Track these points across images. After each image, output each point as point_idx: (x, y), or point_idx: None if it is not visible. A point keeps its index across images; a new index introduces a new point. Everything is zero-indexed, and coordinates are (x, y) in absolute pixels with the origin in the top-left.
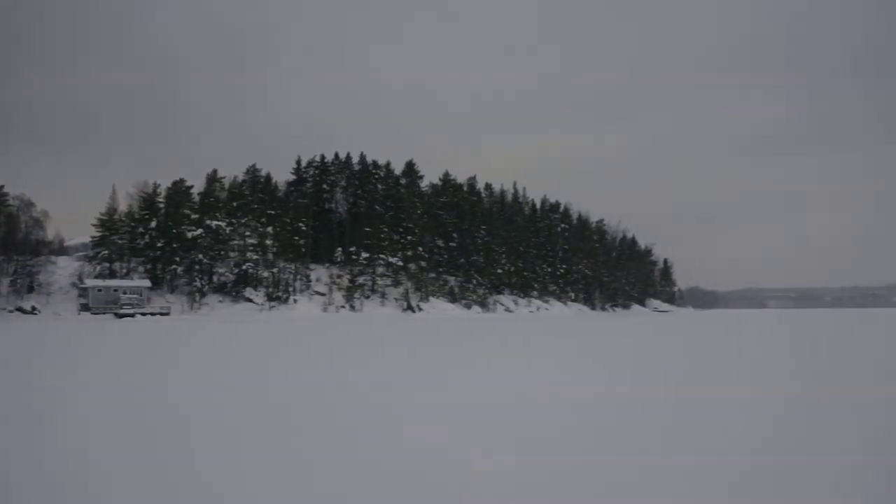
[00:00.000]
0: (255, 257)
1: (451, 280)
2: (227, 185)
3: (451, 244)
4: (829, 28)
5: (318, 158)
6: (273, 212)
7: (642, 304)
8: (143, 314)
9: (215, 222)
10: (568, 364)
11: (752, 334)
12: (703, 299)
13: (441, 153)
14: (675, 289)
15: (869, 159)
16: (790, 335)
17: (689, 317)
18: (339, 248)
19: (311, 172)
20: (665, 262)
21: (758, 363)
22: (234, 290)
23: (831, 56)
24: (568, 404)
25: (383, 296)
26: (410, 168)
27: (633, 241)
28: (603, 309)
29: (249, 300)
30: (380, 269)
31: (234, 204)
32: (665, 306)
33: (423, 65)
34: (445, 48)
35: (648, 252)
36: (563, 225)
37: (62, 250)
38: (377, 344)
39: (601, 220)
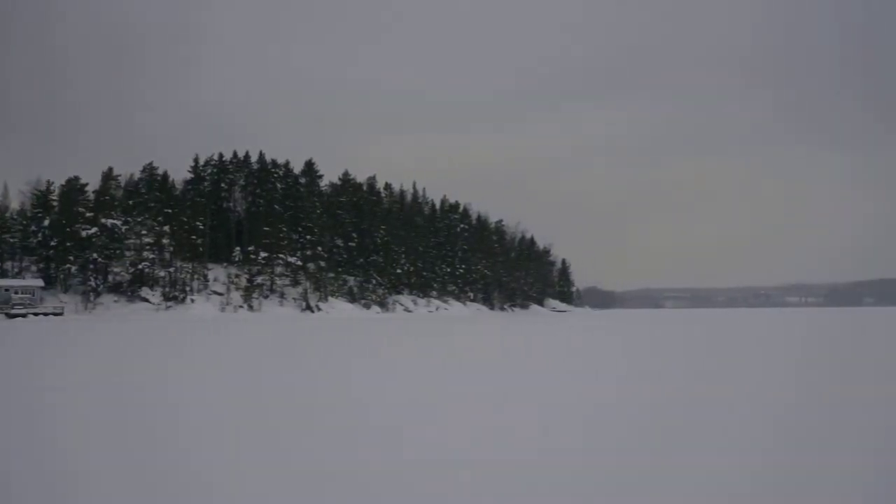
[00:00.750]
0: (151, 256)
1: (351, 280)
2: (122, 184)
3: (350, 244)
4: (694, 36)
5: (216, 157)
6: (170, 210)
7: (541, 304)
8: (36, 314)
9: (110, 221)
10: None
11: (662, 333)
12: (600, 299)
13: (344, 152)
14: (573, 289)
15: (764, 161)
16: (682, 334)
17: (585, 316)
18: (238, 248)
19: (209, 171)
20: (563, 262)
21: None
22: (129, 289)
23: (708, 61)
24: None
25: (282, 296)
26: (310, 167)
27: (532, 242)
28: (502, 309)
29: (145, 300)
30: (278, 269)
31: (130, 202)
32: (563, 306)
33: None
34: (376, 49)
35: (547, 252)
36: (462, 225)
37: None
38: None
39: (500, 221)
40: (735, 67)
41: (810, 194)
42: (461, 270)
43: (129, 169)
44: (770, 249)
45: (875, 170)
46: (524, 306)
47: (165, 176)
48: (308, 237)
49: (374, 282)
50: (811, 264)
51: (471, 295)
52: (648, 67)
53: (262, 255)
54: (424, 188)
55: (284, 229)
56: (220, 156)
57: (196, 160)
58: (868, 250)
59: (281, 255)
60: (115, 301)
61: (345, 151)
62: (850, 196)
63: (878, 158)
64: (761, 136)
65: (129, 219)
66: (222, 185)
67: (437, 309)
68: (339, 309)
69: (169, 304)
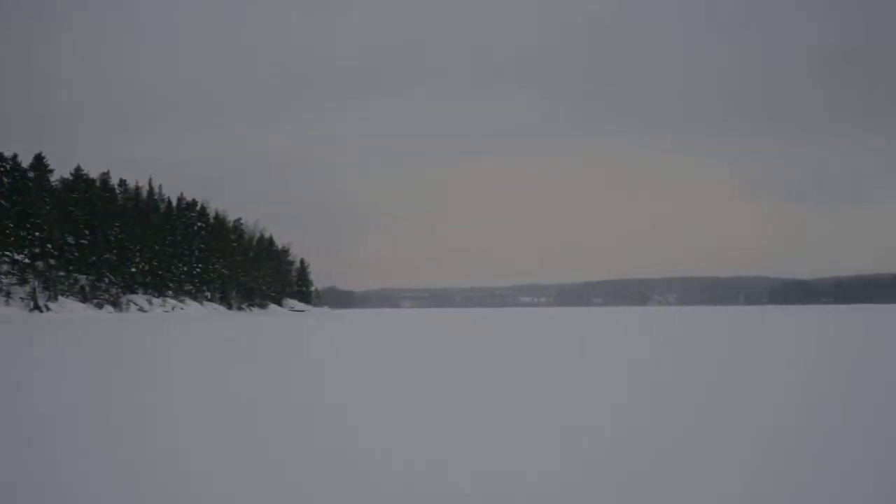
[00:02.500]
0: None
1: (83, 279)
2: None
3: (82, 242)
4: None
5: None
6: None
7: (279, 303)
8: None
9: None
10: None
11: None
12: (339, 299)
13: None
14: (312, 288)
15: (498, 165)
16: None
17: (324, 316)
18: None
19: None
20: (302, 262)
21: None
22: None
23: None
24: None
25: (8, 295)
26: (39, 161)
27: (271, 241)
28: (240, 308)
29: None
30: (4, 267)
31: None
32: (301, 306)
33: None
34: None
35: (286, 252)
36: (199, 224)
37: None
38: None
39: (239, 220)
40: (503, 73)
41: (542, 197)
42: (198, 269)
43: None
44: (504, 251)
45: (605, 176)
46: (263, 306)
47: None
48: (37, 234)
49: (107, 280)
50: (543, 266)
51: (208, 294)
52: (394, 66)
53: None
54: (161, 185)
55: (11, 225)
56: None
57: None
58: (596, 253)
59: (7, 252)
60: None
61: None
62: (581, 200)
63: (606, 164)
64: (494, 140)
65: None
66: None
67: (173, 309)
68: (69, 308)
69: None
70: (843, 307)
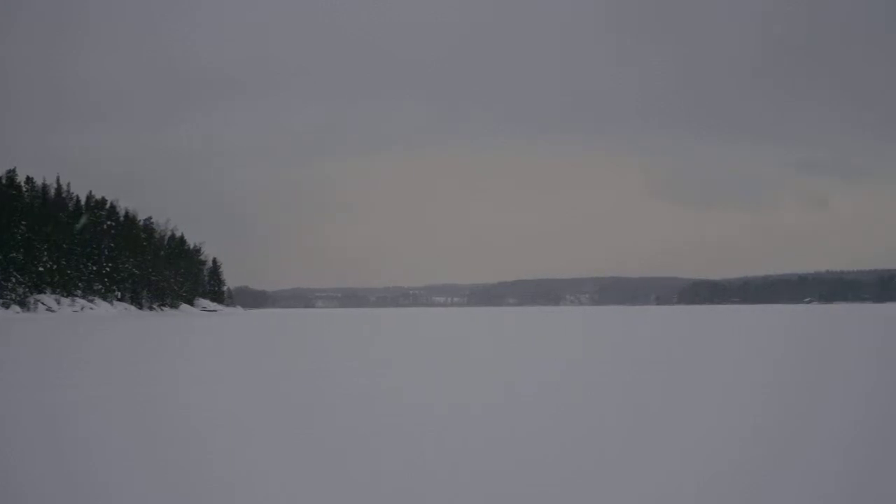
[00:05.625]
0: None
1: None
2: None
3: None
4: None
5: None
6: None
7: (191, 303)
8: None
9: None
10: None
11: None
12: (252, 299)
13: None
14: (225, 288)
15: (411, 167)
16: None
17: (238, 315)
18: None
19: None
20: (214, 261)
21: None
22: None
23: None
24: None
25: None
26: None
27: (182, 240)
28: (151, 308)
29: None
30: None
31: None
32: (213, 306)
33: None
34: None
35: (198, 251)
36: (109, 222)
37: None
38: None
39: (149, 218)
40: (409, 71)
41: (456, 197)
42: (108, 269)
43: None
44: (418, 251)
45: (518, 177)
46: (174, 306)
47: None
48: None
49: (13, 280)
50: (457, 266)
51: (118, 294)
52: (308, 61)
53: None
54: (69, 183)
55: None
56: None
57: None
58: (509, 253)
59: None
60: None
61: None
62: (495, 200)
63: (519, 165)
64: (407, 139)
65: None
66: None
67: (82, 309)
68: None
69: None
70: (749, 307)
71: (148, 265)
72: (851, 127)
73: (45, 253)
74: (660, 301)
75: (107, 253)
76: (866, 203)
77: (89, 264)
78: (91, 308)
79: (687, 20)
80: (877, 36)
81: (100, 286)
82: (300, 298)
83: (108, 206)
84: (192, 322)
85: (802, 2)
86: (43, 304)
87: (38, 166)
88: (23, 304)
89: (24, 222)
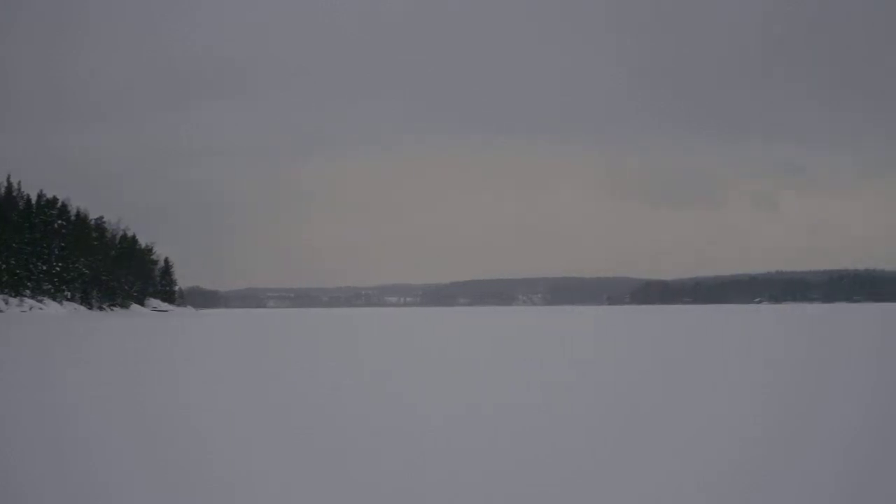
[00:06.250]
0: None
1: None
2: None
3: None
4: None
5: None
6: None
7: (142, 303)
8: None
9: None
10: None
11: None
12: (204, 299)
13: None
14: (176, 288)
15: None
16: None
17: (186, 316)
18: None
19: None
20: (166, 261)
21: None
22: None
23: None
24: None
25: None
26: None
27: (134, 240)
28: (101, 308)
29: None
30: None
31: None
32: (164, 306)
33: None
34: None
35: (149, 251)
36: (60, 221)
37: None
38: None
39: (101, 218)
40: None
41: (410, 197)
42: (58, 269)
43: None
44: (371, 251)
45: (473, 176)
46: (125, 306)
47: None
48: None
49: None
50: (410, 266)
51: (68, 294)
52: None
53: None
54: (20, 182)
55: None
56: None
57: None
58: (463, 253)
59: None
60: None
61: None
62: (449, 199)
63: (474, 165)
64: (361, 139)
65: None
66: None
67: (30, 309)
68: None
69: None
70: (701, 307)
71: (99, 265)
72: (802, 128)
73: None
74: (612, 301)
75: (57, 252)
76: (816, 204)
77: (39, 264)
78: (40, 308)
79: (641, 21)
80: (830, 37)
81: (49, 286)
82: (252, 298)
83: (59, 205)
84: (134, 323)
85: (757, 6)
86: None
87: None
88: None
89: None
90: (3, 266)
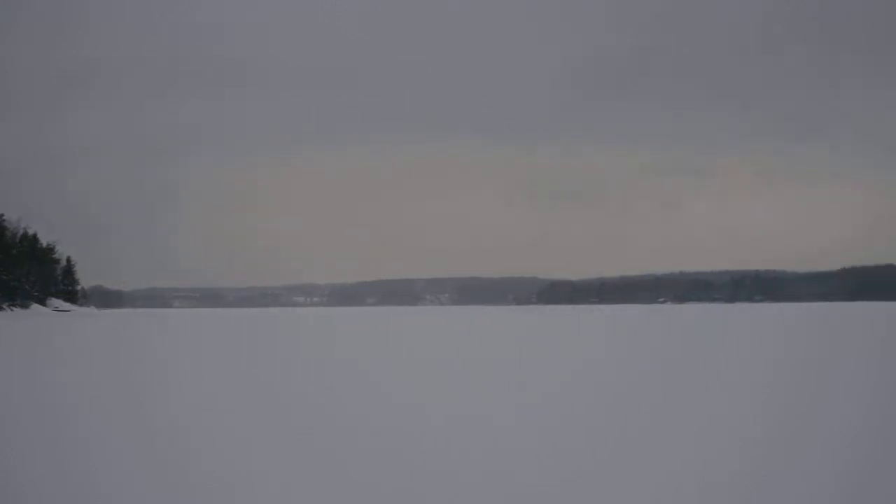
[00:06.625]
0: None
1: None
2: None
3: None
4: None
5: None
6: None
7: (43, 303)
8: None
9: None
10: None
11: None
12: (108, 299)
13: None
14: (79, 288)
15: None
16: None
17: (81, 316)
18: None
19: None
20: (68, 259)
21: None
22: None
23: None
24: None
25: None
26: None
27: (35, 238)
28: (0, 308)
29: None
30: None
31: None
32: (66, 306)
33: None
34: None
35: (51, 250)
36: None
37: None
38: None
39: (1, 215)
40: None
41: (319, 196)
42: None
43: None
44: (278, 250)
45: (380, 176)
46: (25, 306)
47: None
48: None
49: None
50: (317, 265)
51: None
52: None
53: None
54: None
55: None
56: None
57: None
58: (370, 252)
59: None
60: None
61: None
62: (357, 199)
63: (382, 164)
64: (268, 139)
65: None
66: None
67: None
68: None
69: None
70: (607, 307)
71: None
72: (707, 131)
73: None
74: (518, 301)
75: None
76: (720, 206)
77: None
78: None
79: (555, 22)
80: (731, 40)
81: None
82: (157, 298)
83: None
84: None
85: (633, 17)
86: None
87: None
88: None
89: None
90: None
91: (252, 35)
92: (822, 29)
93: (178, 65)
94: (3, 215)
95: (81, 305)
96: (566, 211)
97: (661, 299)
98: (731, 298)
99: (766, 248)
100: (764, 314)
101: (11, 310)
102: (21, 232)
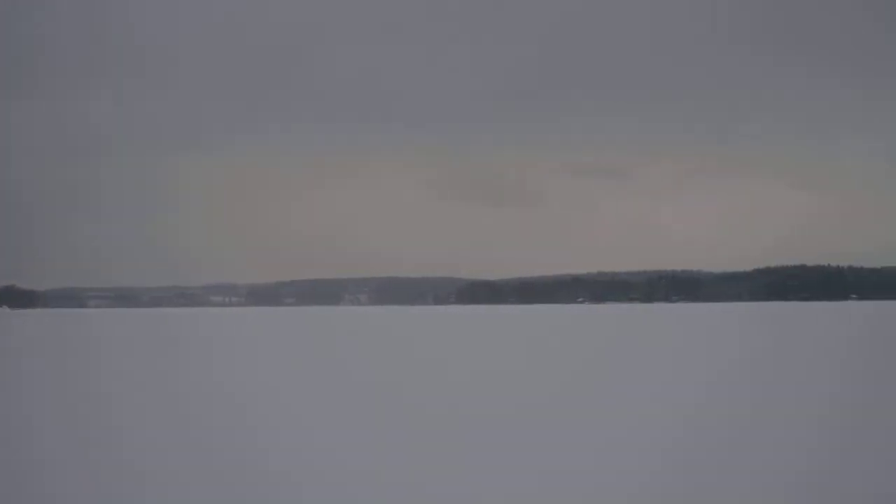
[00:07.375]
0: None
1: None
2: None
3: None
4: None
5: None
6: None
7: None
8: None
9: None
10: None
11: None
12: (20, 299)
13: None
14: None
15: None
16: None
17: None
18: None
19: None
20: None
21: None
22: None
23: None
24: None
25: None
26: None
27: None
28: None
29: None
30: None
31: None
32: None
33: None
34: None
35: None
36: None
37: None
38: None
39: None
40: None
41: (236, 193)
42: None
43: None
44: (195, 249)
45: (301, 173)
46: None
47: None
48: None
49: None
50: (233, 265)
51: None
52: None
53: None
54: None
55: None
56: None
57: None
58: (289, 251)
59: None
60: None
61: None
62: (275, 196)
63: (303, 161)
64: (193, 135)
65: None
66: None
67: None
68: None
69: None
70: (527, 307)
71: None
72: (624, 132)
73: None
74: (437, 301)
75: None
76: (635, 206)
77: None
78: None
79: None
80: (646, 41)
81: None
82: (73, 298)
83: None
84: None
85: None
86: None
87: None
88: None
89: None
90: None
91: (156, 23)
92: (732, 25)
93: (92, 61)
94: None
95: None
96: (485, 212)
97: (580, 299)
98: (649, 298)
99: (683, 250)
100: (678, 314)
101: None
102: None
